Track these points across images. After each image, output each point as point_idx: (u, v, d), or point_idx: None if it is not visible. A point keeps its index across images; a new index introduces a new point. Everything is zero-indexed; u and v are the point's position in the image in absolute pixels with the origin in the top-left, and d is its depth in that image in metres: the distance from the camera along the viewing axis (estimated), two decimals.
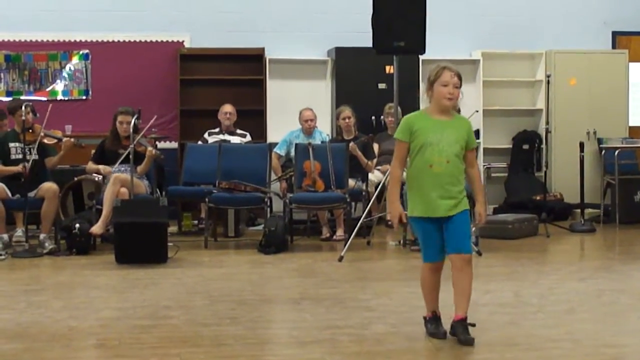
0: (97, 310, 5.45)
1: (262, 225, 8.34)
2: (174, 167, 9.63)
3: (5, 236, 7.85)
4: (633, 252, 8.07)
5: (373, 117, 9.84)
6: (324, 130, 9.67)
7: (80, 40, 10.02)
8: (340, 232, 8.58)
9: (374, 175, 8.95)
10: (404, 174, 4.76)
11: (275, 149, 9.29)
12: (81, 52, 10.04)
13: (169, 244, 7.43)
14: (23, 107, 7.91)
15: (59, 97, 10.01)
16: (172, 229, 8.71)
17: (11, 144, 8.10)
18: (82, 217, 7.97)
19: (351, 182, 8.69)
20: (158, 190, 8.59)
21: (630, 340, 4.73)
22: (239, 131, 9.54)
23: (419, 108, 4.89)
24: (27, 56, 9.97)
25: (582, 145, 9.45)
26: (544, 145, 10.27)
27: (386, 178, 7.96)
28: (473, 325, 4.56)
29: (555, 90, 10.26)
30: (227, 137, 9.42)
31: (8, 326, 5.03)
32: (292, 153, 8.99)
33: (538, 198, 9.83)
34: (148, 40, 10.12)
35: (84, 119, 9.86)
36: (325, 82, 10.35)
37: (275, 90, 10.14)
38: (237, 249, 8.36)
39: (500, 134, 10.69)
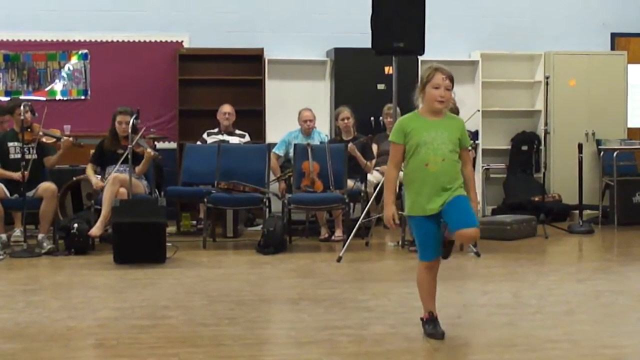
0: (96, 310, 5.45)
1: (261, 226, 8.33)
2: (172, 167, 9.63)
3: (4, 236, 7.85)
4: (631, 254, 8.07)
5: (372, 118, 9.84)
6: (322, 130, 9.66)
7: (79, 40, 10.01)
8: (338, 233, 8.58)
9: (373, 176, 8.95)
10: (400, 174, 4.77)
11: (274, 150, 9.29)
12: (80, 52, 10.04)
13: (168, 244, 7.43)
14: (22, 107, 7.90)
15: (58, 97, 10.00)
16: (171, 229, 8.72)
17: (10, 144, 8.09)
18: (81, 217, 7.98)
19: (350, 183, 8.69)
20: (157, 191, 8.59)
21: (628, 341, 4.73)
22: (237, 131, 9.53)
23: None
24: (25, 56, 9.96)
25: (580, 146, 9.46)
26: (542, 147, 10.26)
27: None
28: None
29: (554, 91, 10.25)
30: (226, 137, 9.42)
31: (6, 326, 5.02)
32: (291, 153, 8.99)
33: (537, 199, 9.83)
34: (147, 40, 10.12)
35: (82, 119, 9.85)
36: (324, 83, 10.35)
37: (274, 91, 10.13)
38: (236, 249, 8.36)
39: (499, 135, 10.69)
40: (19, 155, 7.89)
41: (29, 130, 8.02)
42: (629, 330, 5.02)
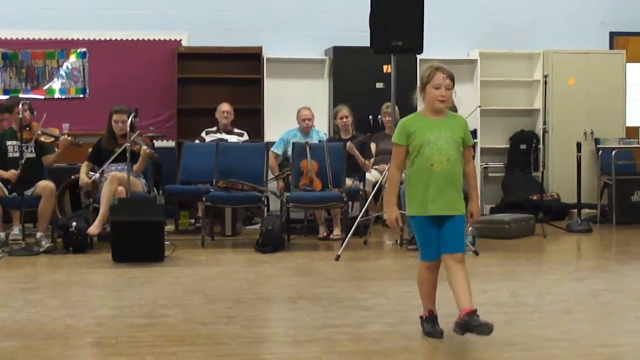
0: (94, 308, 5.45)
1: (259, 224, 8.33)
2: (171, 165, 9.61)
3: (2, 234, 7.84)
4: (629, 252, 8.08)
5: (370, 117, 9.84)
6: (321, 129, 9.67)
7: (78, 39, 10.01)
8: (337, 232, 8.57)
9: (371, 175, 8.95)
10: (403, 175, 4.77)
11: (272, 148, 9.29)
12: (79, 51, 10.03)
13: (166, 242, 7.43)
14: (20, 105, 7.89)
15: (56, 95, 10.00)
16: (169, 227, 8.72)
17: (8, 142, 8.09)
18: (79, 216, 7.98)
19: (348, 182, 8.69)
20: (155, 189, 8.59)
21: (626, 340, 4.73)
22: (236, 130, 9.53)
23: (416, 108, 4.87)
24: (24, 54, 9.95)
25: (579, 145, 9.46)
26: (541, 145, 10.25)
27: (383, 177, 7.97)
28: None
29: (553, 90, 10.25)
30: (224, 135, 9.42)
31: (5, 324, 5.02)
32: (290, 152, 8.99)
33: (535, 198, 9.83)
34: (146, 38, 10.11)
35: (81, 117, 9.84)
36: (323, 82, 10.35)
37: (272, 89, 10.13)
38: (234, 248, 8.36)
39: (497, 133, 10.69)
40: (17, 154, 7.88)
41: (27, 128, 8.01)
42: (627, 329, 5.02)
